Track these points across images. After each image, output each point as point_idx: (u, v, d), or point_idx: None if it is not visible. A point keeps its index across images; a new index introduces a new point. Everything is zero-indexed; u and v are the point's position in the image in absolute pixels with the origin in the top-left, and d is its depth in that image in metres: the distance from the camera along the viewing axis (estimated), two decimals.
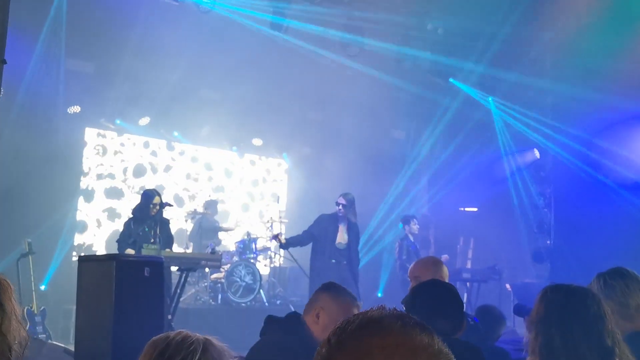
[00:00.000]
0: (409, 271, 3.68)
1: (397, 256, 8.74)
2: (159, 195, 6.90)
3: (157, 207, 6.72)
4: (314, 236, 7.47)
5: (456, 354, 2.38)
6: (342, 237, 7.45)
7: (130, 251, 6.55)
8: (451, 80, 10.24)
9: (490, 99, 10.38)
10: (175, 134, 10.71)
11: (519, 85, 9.48)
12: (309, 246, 7.74)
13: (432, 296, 2.50)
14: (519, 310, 3.51)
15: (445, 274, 3.57)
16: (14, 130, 8.30)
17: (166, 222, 6.99)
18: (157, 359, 1.54)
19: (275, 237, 7.78)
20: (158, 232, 6.71)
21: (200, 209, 9.89)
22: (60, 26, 8.54)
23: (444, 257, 8.90)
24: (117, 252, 6.74)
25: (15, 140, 8.28)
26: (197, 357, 1.52)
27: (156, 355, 1.54)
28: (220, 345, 1.60)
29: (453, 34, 9.33)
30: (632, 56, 7.66)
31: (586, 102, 8.20)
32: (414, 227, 8.81)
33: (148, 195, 6.88)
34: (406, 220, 8.90)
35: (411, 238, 8.80)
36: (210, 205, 10.04)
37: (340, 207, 7.41)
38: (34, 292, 7.08)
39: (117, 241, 6.85)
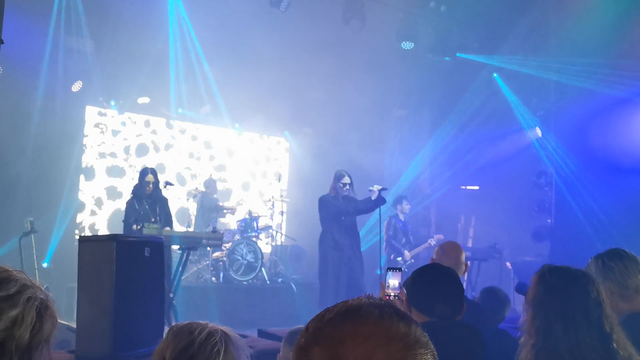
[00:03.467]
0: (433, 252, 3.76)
1: (385, 232, 9.00)
2: (153, 173, 6.97)
3: (151, 186, 6.81)
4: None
5: (456, 335, 2.40)
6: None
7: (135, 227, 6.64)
8: (459, 54, 10.15)
9: (495, 75, 10.28)
10: (180, 110, 10.66)
11: (522, 64, 9.41)
12: (313, 228, 7.81)
13: (432, 280, 2.51)
14: (521, 289, 3.50)
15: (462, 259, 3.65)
16: (14, 109, 8.28)
17: (165, 201, 7.06)
18: (180, 355, 1.54)
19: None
20: (158, 210, 6.78)
21: (202, 188, 9.91)
22: (61, 4, 8.48)
23: (438, 236, 9.08)
24: (122, 231, 6.83)
25: (16, 119, 8.27)
26: (220, 359, 1.53)
27: (179, 350, 1.55)
28: (237, 338, 1.62)
29: (456, 12, 9.22)
30: (635, 35, 7.56)
31: (590, 82, 8.13)
32: (406, 207, 9.23)
33: (141, 174, 7.05)
34: (398, 200, 9.28)
35: (401, 217, 9.17)
36: (210, 184, 10.05)
37: (347, 186, 7.51)
38: (36, 271, 7.14)
39: (122, 221, 6.95)
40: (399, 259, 8.87)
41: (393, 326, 0.89)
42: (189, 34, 9.30)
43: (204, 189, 9.86)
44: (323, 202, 7.58)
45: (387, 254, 8.98)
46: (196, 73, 10.00)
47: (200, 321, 1.63)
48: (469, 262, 3.92)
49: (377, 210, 7.59)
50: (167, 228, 6.78)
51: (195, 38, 9.37)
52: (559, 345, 2.06)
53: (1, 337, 1.29)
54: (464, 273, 3.79)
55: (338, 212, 7.44)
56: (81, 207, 9.86)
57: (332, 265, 7.34)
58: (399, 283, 2.75)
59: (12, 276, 1.38)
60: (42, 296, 1.39)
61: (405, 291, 2.56)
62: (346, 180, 7.50)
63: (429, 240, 9.04)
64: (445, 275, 2.53)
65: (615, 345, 2.04)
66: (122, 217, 7.08)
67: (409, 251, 8.95)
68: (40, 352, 1.35)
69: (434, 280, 2.51)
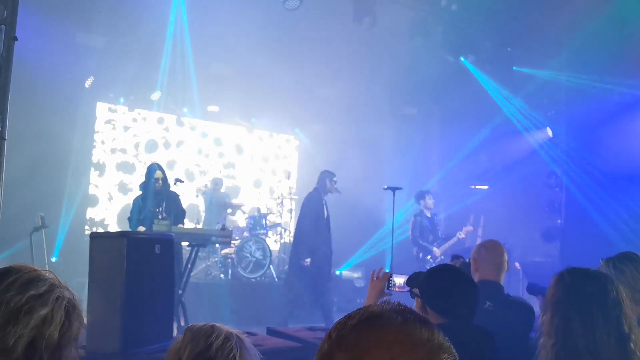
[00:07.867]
0: (472, 252, 3.57)
1: (411, 232, 8.64)
2: (160, 169, 6.92)
3: (160, 182, 6.77)
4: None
5: (470, 337, 2.40)
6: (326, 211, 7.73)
7: (141, 228, 6.61)
8: (461, 59, 10.09)
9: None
10: (185, 110, 10.70)
11: (533, 65, 9.38)
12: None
13: (450, 282, 2.50)
14: (532, 289, 3.49)
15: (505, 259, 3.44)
16: (26, 105, 8.32)
17: (176, 197, 7.03)
18: (197, 358, 1.57)
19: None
20: (163, 207, 6.75)
21: (210, 185, 9.95)
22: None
23: (466, 229, 8.79)
24: (128, 228, 6.82)
25: (28, 115, 8.31)
26: None
27: (197, 353, 1.57)
28: (248, 342, 1.65)
29: (467, 11, 9.18)
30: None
31: (602, 86, 8.08)
32: (429, 201, 8.69)
33: (149, 170, 6.97)
34: (421, 196, 8.77)
35: (427, 213, 8.71)
36: (217, 182, 10.10)
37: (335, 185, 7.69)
38: (47, 266, 7.18)
39: (128, 219, 6.92)
40: (428, 257, 8.51)
41: (416, 332, 0.90)
42: (199, 32, 9.31)
43: (210, 187, 9.91)
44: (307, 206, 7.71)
45: (415, 253, 8.64)
46: (205, 71, 10.03)
47: (215, 323, 1.66)
48: None
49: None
50: (180, 225, 6.76)
51: (205, 36, 9.38)
52: (578, 343, 2.06)
53: (32, 335, 1.31)
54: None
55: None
56: (92, 202, 9.92)
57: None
58: (404, 282, 2.77)
59: (41, 275, 1.40)
60: (69, 296, 1.41)
61: (418, 291, 2.55)
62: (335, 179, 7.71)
63: (458, 234, 8.68)
64: (462, 277, 2.53)
65: (632, 345, 2.04)
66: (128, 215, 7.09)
67: (438, 247, 8.59)
68: (69, 351, 1.38)
69: (452, 282, 2.49)
